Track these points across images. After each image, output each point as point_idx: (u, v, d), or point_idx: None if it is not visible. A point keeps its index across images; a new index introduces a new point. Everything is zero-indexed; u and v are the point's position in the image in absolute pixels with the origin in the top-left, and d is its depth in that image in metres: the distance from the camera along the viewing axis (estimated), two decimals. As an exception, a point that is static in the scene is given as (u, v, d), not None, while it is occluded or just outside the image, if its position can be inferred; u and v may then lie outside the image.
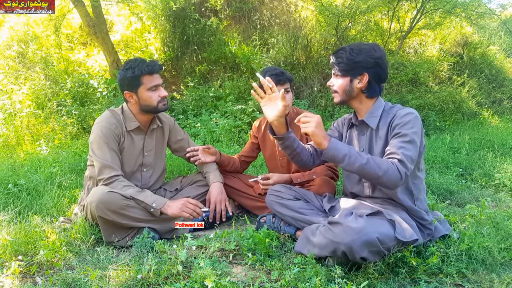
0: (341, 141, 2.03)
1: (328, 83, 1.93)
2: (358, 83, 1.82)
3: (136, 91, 2.17)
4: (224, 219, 2.32)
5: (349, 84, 1.83)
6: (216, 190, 2.32)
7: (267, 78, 1.83)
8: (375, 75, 1.81)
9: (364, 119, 1.87)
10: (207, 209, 2.26)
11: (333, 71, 1.89)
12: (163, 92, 2.21)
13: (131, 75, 2.13)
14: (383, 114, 1.85)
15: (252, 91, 1.88)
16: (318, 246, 1.68)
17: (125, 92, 2.20)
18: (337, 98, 1.89)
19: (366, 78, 1.80)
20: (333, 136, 2.04)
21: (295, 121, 1.75)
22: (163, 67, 6.23)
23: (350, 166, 1.66)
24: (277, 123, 1.82)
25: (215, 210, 2.30)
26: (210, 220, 2.29)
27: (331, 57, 1.89)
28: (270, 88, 1.81)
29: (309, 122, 1.68)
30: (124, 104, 2.30)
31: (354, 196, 1.99)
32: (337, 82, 1.87)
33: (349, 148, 1.67)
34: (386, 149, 1.74)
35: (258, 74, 1.92)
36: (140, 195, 2.07)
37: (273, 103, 1.81)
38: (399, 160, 1.65)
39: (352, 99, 1.87)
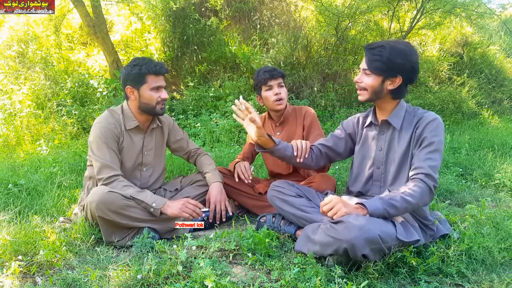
0: (353, 140, 2.04)
1: (356, 79, 1.84)
2: (390, 84, 1.77)
3: (139, 88, 2.19)
4: (224, 219, 2.32)
5: (380, 85, 1.77)
6: (215, 190, 2.32)
7: (241, 100, 1.90)
8: (407, 78, 1.77)
9: (388, 119, 1.85)
10: (207, 209, 2.27)
11: (363, 67, 1.80)
12: (164, 94, 2.22)
13: (137, 71, 2.16)
14: (406, 115, 1.83)
15: (233, 115, 1.96)
16: (320, 244, 1.68)
17: (127, 87, 2.21)
18: (364, 96, 1.83)
19: (399, 81, 1.75)
20: (340, 137, 2.05)
21: (320, 211, 1.71)
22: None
23: (393, 215, 1.64)
24: (261, 141, 1.90)
25: (215, 210, 2.30)
26: (210, 220, 2.29)
27: (366, 51, 1.77)
28: (247, 109, 1.87)
29: (333, 207, 1.62)
30: (124, 103, 2.30)
31: (359, 194, 1.99)
32: (367, 80, 1.79)
33: (383, 203, 1.61)
34: (413, 161, 1.74)
35: (238, 100, 1.96)
36: (140, 195, 2.07)
37: (252, 124, 1.88)
38: (425, 175, 1.66)
39: (378, 99, 1.83)
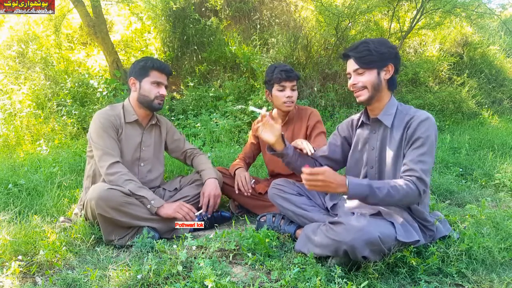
0: (349, 144, 2.02)
1: (351, 83, 1.82)
2: (386, 74, 1.79)
3: (141, 80, 2.27)
4: (215, 213, 2.32)
5: (377, 77, 1.78)
6: (210, 186, 2.32)
7: (263, 108, 1.92)
8: (396, 65, 1.80)
9: (379, 117, 1.83)
10: (199, 212, 2.27)
11: (353, 68, 1.80)
12: (162, 90, 2.30)
13: (142, 64, 2.27)
14: (397, 112, 1.82)
15: (255, 126, 1.95)
16: (320, 245, 1.68)
17: (131, 78, 2.30)
18: (364, 96, 1.80)
19: (392, 68, 1.78)
20: (336, 143, 2.04)
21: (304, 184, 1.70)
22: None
23: (373, 201, 1.64)
24: (277, 143, 1.93)
25: (208, 203, 2.29)
26: (209, 215, 2.29)
27: (350, 53, 1.79)
28: (264, 116, 1.90)
29: (313, 182, 1.60)
30: (126, 100, 2.36)
31: None
32: (363, 78, 1.78)
33: (369, 186, 1.61)
34: (404, 161, 1.72)
35: (253, 108, 2.03)
36: (141, 191, 2.10)
37: (269, 127, 1.90)
38: (418, 178, 1.65)
39: (379, 93, 1.80)
